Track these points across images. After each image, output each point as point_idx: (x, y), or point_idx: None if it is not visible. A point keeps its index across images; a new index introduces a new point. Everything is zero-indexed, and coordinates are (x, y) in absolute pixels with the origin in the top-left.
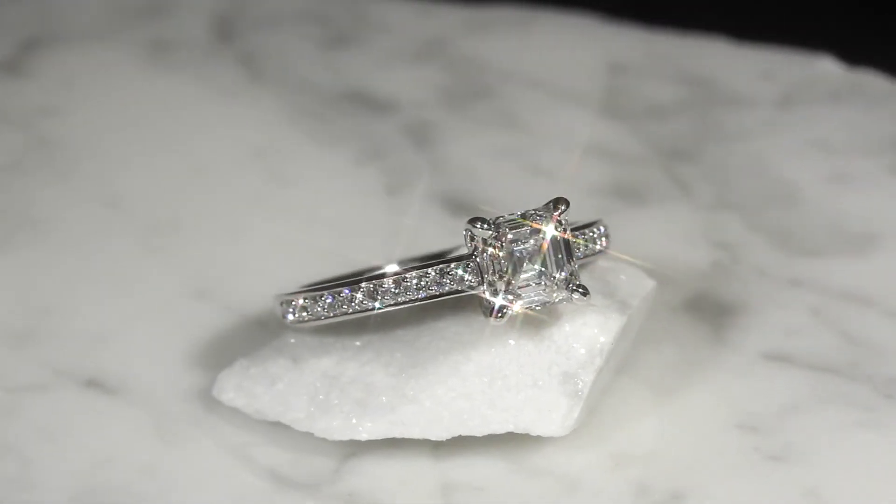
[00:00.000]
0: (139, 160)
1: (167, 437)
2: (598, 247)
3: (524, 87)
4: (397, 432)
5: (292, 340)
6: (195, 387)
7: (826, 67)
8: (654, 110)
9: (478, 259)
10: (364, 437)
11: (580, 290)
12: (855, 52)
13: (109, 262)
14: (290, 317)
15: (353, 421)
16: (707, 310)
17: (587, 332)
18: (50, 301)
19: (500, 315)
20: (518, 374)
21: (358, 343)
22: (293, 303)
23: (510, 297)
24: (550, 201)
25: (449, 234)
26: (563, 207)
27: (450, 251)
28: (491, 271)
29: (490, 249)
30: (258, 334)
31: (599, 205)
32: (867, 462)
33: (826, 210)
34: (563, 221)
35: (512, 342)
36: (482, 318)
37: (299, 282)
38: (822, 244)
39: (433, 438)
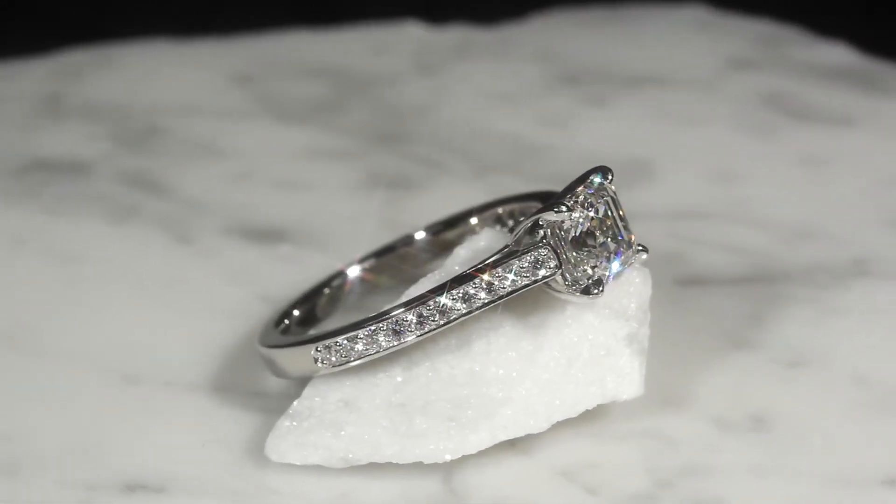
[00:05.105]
0: None
1: None
2: None
3: (182, 117)
4: (502, 436)
5: (320, 385)
6: (231, 462)
7: (415, 32)
8: (322, 106)
9: (551, 243)
10: (474, 450)
11: (641, 247)
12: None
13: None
14: (334, 358)
15: (456, 439)
16: None
17: (631, 288)
18: None
19: (597, 291)
20: (590, 347)
21: (399, 368)
22: (338, 344)
23: (598, 270)
24: (592, 171)
25: (274, 261)
26: (610, 176)
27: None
28: (569, 251)
29: (565, 228)
30: (222, 397)
31: (381, 198)
32: (872, 339)
33: (574, 149)
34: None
35: (571, 320)
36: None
37: (213, 341)
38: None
39: (535, 432)
